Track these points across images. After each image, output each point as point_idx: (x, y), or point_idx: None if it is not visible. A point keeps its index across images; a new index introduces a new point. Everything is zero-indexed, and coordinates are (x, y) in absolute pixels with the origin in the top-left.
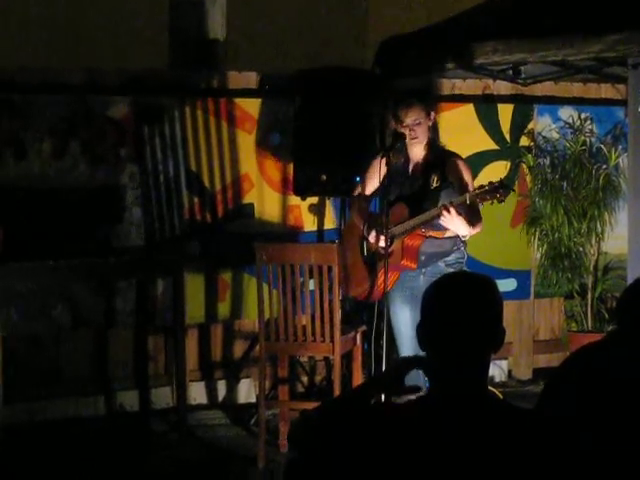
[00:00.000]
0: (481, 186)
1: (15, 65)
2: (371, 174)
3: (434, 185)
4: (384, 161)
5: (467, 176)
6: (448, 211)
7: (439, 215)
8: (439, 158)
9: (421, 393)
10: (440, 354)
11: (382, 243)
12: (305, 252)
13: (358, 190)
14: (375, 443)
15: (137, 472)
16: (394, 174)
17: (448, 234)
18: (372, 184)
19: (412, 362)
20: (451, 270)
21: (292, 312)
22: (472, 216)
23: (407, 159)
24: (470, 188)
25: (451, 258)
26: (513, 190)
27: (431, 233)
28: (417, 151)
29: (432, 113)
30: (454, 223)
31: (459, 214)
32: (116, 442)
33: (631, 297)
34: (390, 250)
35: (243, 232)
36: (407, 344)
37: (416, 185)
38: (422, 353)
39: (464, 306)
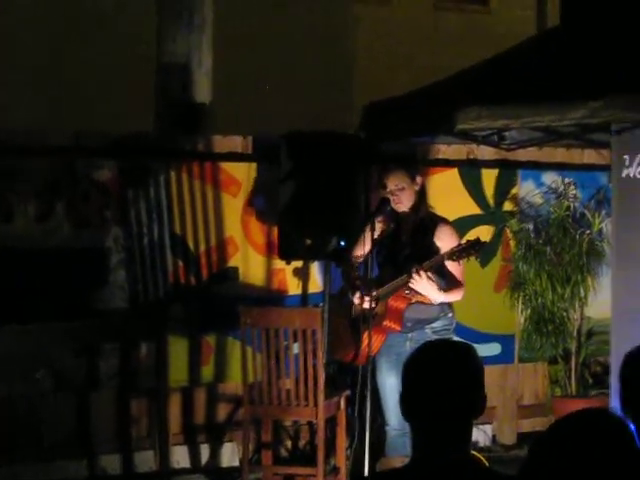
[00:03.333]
0: (458, 245)
1: (1, 127)
2: (361, 238)
3: (423, 249)
4: (370, 226)
5: (454, 243)
6: (418, 274)
7: (409, 280)
8: (429, 222)
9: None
10: (422, 422)
11: (366, 305)
12: (289, 316)
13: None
14: None
15: None
16: (384, 238)
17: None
18: (361, 248)
19: None
20: (437, 337)
21: (276, 376)
22: (449, 282)
23: (397, 223)
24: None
25: (438, 325)
26: (486, 243)
27: (418, 298)
28: (406, 215)
29: (418, 177)
30: (424, 287)
31: (429, 279)
32: None
33: (631, 363)
34: (374, 312)
35: (227, 295)
36: (393, 410)
37: (405, 248)
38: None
39: (443, 375)
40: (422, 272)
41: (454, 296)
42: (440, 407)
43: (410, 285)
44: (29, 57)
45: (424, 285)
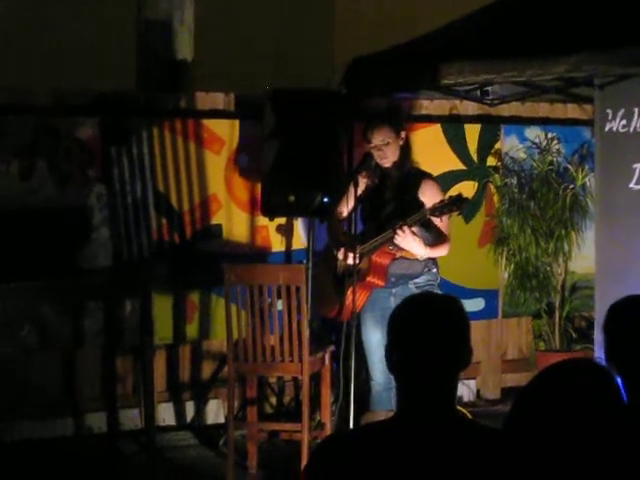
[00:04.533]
0: (440, 201)
1: None
2: (345, 195)
3: (406, 204)
4: (353, 182)
5: (438, 198)
6: (402, 230)
7: (394, 235)
8: (413, 177)
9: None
10: (408, 376)
11: (350, 260)
12: (273, 272)
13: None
14: (345, 467)
15: None
16: (369, 193)
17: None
18: (345, 204)
19: None
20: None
21: (260, 332)
22: (435, 238)
23: (381, 178)
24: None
25: (421, 280)
26: (469, 200)
27: (402, 253)
28: (390, 170)
29: (403, 132)
30: (409, 243)
31: (414, 234)
32: (84, 464)
33: (616, 315)
34: (358, 268)
35: (211, 253)
36: (378, 365)
37: (389, 204)
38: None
39: (429, 327)
40: (406, 228)
41: (440, 251)
42: (425, 359)
43: (394, 241)
44: (9, 15)
45: (408, 241)
